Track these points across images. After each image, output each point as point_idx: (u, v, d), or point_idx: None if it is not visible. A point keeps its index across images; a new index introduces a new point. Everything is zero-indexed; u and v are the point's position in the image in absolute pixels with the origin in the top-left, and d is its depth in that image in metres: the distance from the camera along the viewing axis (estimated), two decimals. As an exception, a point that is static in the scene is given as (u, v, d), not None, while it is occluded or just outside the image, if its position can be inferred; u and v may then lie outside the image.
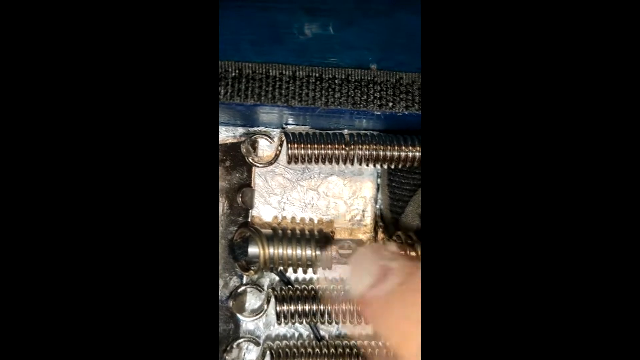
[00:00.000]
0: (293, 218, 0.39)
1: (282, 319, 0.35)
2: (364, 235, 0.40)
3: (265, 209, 0.39)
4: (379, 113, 0.33)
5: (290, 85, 0.32)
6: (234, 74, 0.32)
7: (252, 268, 0.36)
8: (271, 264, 0.35)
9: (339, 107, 0.32)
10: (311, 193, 0.40)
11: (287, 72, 0.32)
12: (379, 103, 0.33)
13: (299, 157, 0.36)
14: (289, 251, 0.34)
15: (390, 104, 0.33)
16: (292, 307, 0.35)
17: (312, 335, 0.39)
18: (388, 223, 0.40)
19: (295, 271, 0.36)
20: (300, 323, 0.36)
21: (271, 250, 0.35)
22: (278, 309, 0.35)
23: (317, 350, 0.36)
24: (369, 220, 0.40)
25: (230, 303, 0.37)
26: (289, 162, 0.37)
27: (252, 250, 0.34)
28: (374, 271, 0.29)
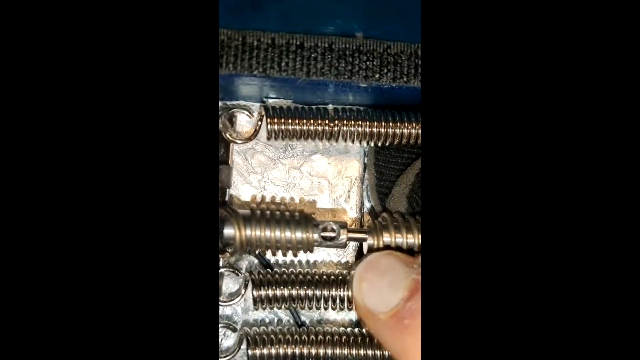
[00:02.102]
0: (273, 197, 0.37)
1: (260, 304, 0.33)
2: (348, 217, 0.38)
3: (245, 188, 0.37)
4: (365, 85, 0.31)
5: (269, 53, 0.30)
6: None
7: (228, 250, 0.34)
8: (248, 247, 0.33)
9: (321, 78, 0.30)
10: (294, 172, 0.38)
11: (265, 40, 0.30)
12: (364, 74, 0.30)
13: (280, 132, 0.34)
14: (268, 233, 0.32)
15: (377, 76, 0.31)
16: (271, 292, 0.33)
17: (292, 321, 0.37)
18: (374, 204, 0.38)
19: (274, 254, 0.34)
20: (279, 308, 0.34)
21: (248, 232, 0.32)
22: (255, 293, 0.33)
23: (296, 337, 0.34)
24: (354, 201, 0.38)
25: None
26: (268, 138, 0.34)
27: (228, 231, 0.32)
28: (406, 284, 0.27)
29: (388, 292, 0.27)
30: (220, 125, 0.35)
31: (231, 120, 0.36)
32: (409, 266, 0.28)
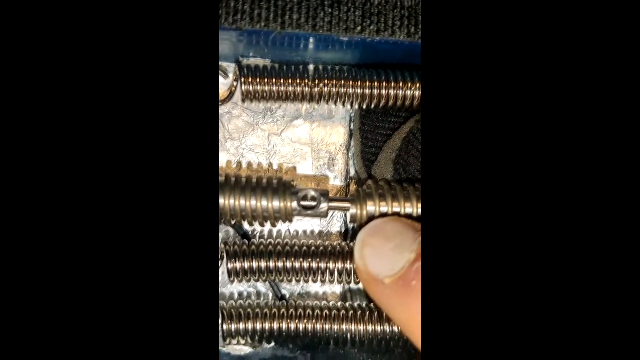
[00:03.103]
0: (250, 164, 0.35)
1: (235, 277, 0.31)
2: (332, 185, 0.36)
3: (221, 155, 0.35)
4: (345, 39, 0.28)
5: (239, 2, 0.27)
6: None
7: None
8: (223, 216, 0.31)
9: (297, 30, 0.28)
10: (274, 138, 0.35)
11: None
12: (344, 26, 0.28)
13: (256, 94, 0.32)
14: (242, 201, 0.30)
15: (359, 28, 0.28)
16: (247, 264, 0.31)
17: (272, 295, 0.35)
18: (359, 171, 0.36)
19: (251, 224, 0.32)
20: (256, 281, 0.32)
21: (222, 200, 0.30)
22: (230, 265, 0.31)
23: (274, 310, 0.32)
24: (339, 169, 0.36)
25: None
26: (243, 100, 0.32)
27: (201, 199, 0.30)
28: (414, 247, 0.25)
29: (394, 255, 0.25)
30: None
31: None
32: (416, 230, 0.26)
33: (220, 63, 0.34)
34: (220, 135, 0.35)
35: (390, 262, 0.25)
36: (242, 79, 0.31)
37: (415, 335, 0.24)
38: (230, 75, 0.33)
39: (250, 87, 0.31)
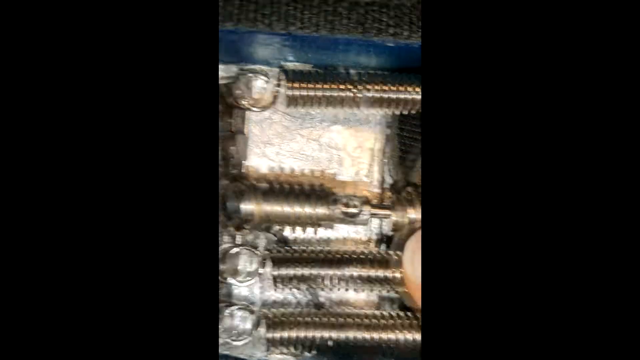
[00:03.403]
0: (291, 170, 0.35)
1: (281, 284, 0.31)
2: (369, 191, 0.36)
3: (261, 161, 0.35)
4: (392, 45, 0.28)
5: (290, 7, 0.27)
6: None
7: (246, 227, 0.32)
8: (267, 223, 0.31)
9: (346, 35, 0.28)
10: (312, 144, 0.35)
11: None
12: (392, 32, 0.28)
13: (301, 99, 0.32)
14: (287, 208, 0.30)
15: (406, 34, 0.28)
16: (292, 271, 0.31)
17: (310, 302, 0.35)
18: (398, 178, 0.36)
19: (293, 231, 0.32)
20: (298, 289, 0.32)
21: (267, 207, 0.30)
22: (276, 272, 0.31)
23: (316, 318, 0.31)
24: (376, 175, 0.36)
25: (222, 266, 0.32)
26: (288, 105, 0.32)
27: (246, 206, 0.30)
28: None
29: None
30: (238, 92, 0.32)
31: (248, 86, 0.33)
32: None
33: (262, 68, 0.34)
34: (259, 141, 0.35)
35: None
36: (290, 84, 0.31)
37: None
38: (273, 79, 0.33)
39: (297, 93, 0.31)
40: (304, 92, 0.31)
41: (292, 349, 0.31)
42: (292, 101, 0.32)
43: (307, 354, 0.32)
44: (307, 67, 0.33)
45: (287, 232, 0.34)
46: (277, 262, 0.31)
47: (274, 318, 0.31)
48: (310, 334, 0.31)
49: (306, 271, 0.31)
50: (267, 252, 0.32)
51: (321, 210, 0.31)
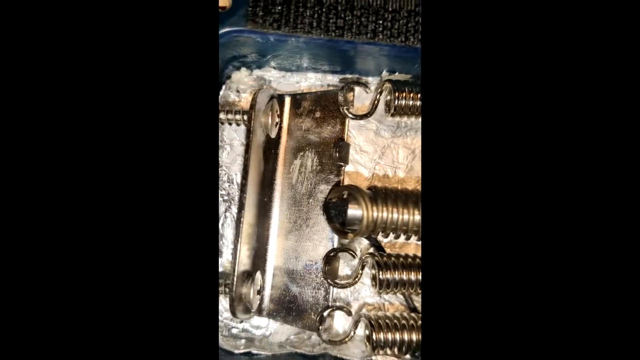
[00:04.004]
0: (384, 177, 0.36)
1: (385, 288, 0.32)
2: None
3: (356, 167, 0.36)
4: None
5: (410, 21, 0.28)
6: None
7: (351, 231, 0.32)
8: (373, 228, 0.31)
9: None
10: (405, 152, 0.36)
11: (407, 6, 0.28)
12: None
13: (402, 108, 0.32)
14: (395, 215, 0.31)
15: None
16: (390, 275, 0.32)
17: (406, 306, 0.35)
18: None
19: (397, 237, 0.33)
20: (394, 293, 0.33)
21: (375, 213, 0.31)
22: (381, 276, 0.32)
23: (412, 322, 0.32)
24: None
25: (323, 268, 0.33)
26: (392, 115, 0.33)
27: (354, 212, 0.31)
28: None
29: None
30: (341, 99, 0.33)
31: (349, 95, 0.34)
32: None
33: (364, 78, 0.34)
34: (352, 149, 0.35)
35: None
36: (397, 94, 0.32)
37: None
38: (373, 89, 0.34)
39: (401, 102, 0.32)
40: (406, 102, 0.32)
41: (395, 350, 0.32)
42: (397, 110, 0.32)
43: (408, 356, 0.33)
44: (406, 77, 0.33)
45: (381, 237, 0.35)
46: (378, 267, 0.32)
47: (377, 320, 0.32)
48: (410, 336, 0.32)
49: (404, 276, 0.32)
50: (370, 256, 0.33)
51: (419, 217, 0.32)
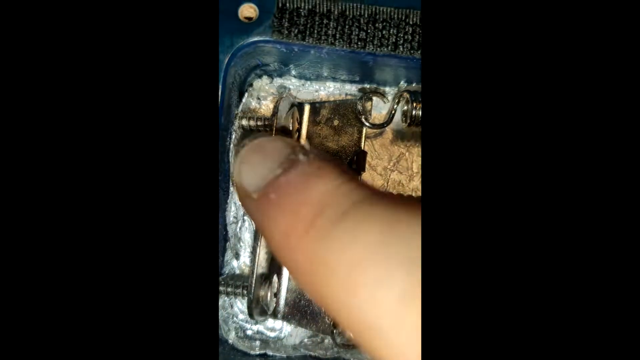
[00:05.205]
0: (400, 185, 0.36)
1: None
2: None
3: (370, 175, 0.36)
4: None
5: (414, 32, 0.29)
6: (366, 13, 0.28)
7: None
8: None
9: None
10: (420, 162, 0.37)
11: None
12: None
13: (419, 118, 0.33)
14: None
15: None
16: None
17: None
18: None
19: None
20: None
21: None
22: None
23: None
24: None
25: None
26: (409, 125, 0.34)
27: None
28: (286, 164, 0.24)
29: (264, 171, 0.25)
30: (360, 109, 0.34)
31: (368, 104, 0.35)
32: (293, 148, 0.25)
33: (381, 88, 0.35)
34: (368, 157, 0.36)
35: (260, 177, 0.25)
36: (414, 105, 0.33)
37: (273, 247, 0.24)
38: (390, 99, 0.35)
39: (419, 112, 0.33)
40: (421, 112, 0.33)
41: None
42: (413, 120, 0.33)
43: None
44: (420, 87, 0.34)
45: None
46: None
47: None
48: None
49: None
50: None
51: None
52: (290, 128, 0.35)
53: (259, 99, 0.36)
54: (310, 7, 0.29)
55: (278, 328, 0.36)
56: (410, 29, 0.30)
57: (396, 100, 0.34)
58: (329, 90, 0.36)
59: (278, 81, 0.36)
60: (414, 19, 0.29)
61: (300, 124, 0.36)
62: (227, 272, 0.36)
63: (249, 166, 0.26)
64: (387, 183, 0.37)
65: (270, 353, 0.35)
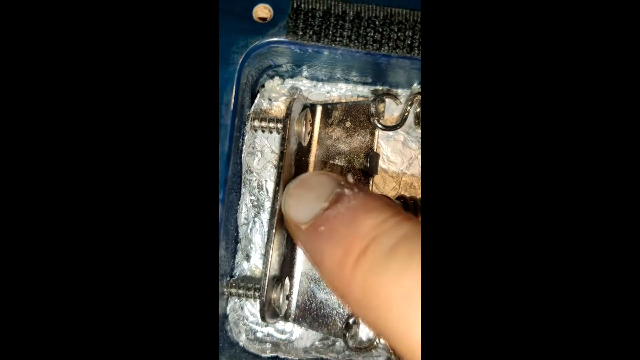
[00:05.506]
0: (412, 187, 0.36)
1: None
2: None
3: (383, 177, 0.36)
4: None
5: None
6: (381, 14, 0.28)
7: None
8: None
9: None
10: (430, 162, 0.37)
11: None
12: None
13: (432, 120, 0.33)
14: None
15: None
16: None
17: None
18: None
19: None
20: None
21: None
22: None
23: None
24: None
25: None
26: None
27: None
28: (331, 197, 0.26)
29: (312, 204, 0.27)
30: (373, 110, 0.34)
31: (381, 106, 0.35)
32: (338, 182, 0.28)
33: (394, 90, 0.35)
34: (380, 159, 0.36)
35: (307, 210, 0.27)
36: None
37: (326, 276, 0.26)
38: (402, 100, 0.35)
39: (432, 115, 0.33)
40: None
41: None
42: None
43: None
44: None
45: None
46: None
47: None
48: None
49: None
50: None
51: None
52: (303, 129, 0.34)
53: (270, 100, 0.36)
54: (325, 8, 0.29)
55: (289, 330, 0.36)
56: (425, 30, 0.29)
57: (409, 103, 0.34)
58: (341, 91, 0.36)
59: (289, 82, 0.35)
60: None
61: (312, 125, 0.36)
62: (237, 273, 0.36)
63: (297, 199, 0.28)
64: (400, 185, 0.36)
65: (281, 356, 0.34)
